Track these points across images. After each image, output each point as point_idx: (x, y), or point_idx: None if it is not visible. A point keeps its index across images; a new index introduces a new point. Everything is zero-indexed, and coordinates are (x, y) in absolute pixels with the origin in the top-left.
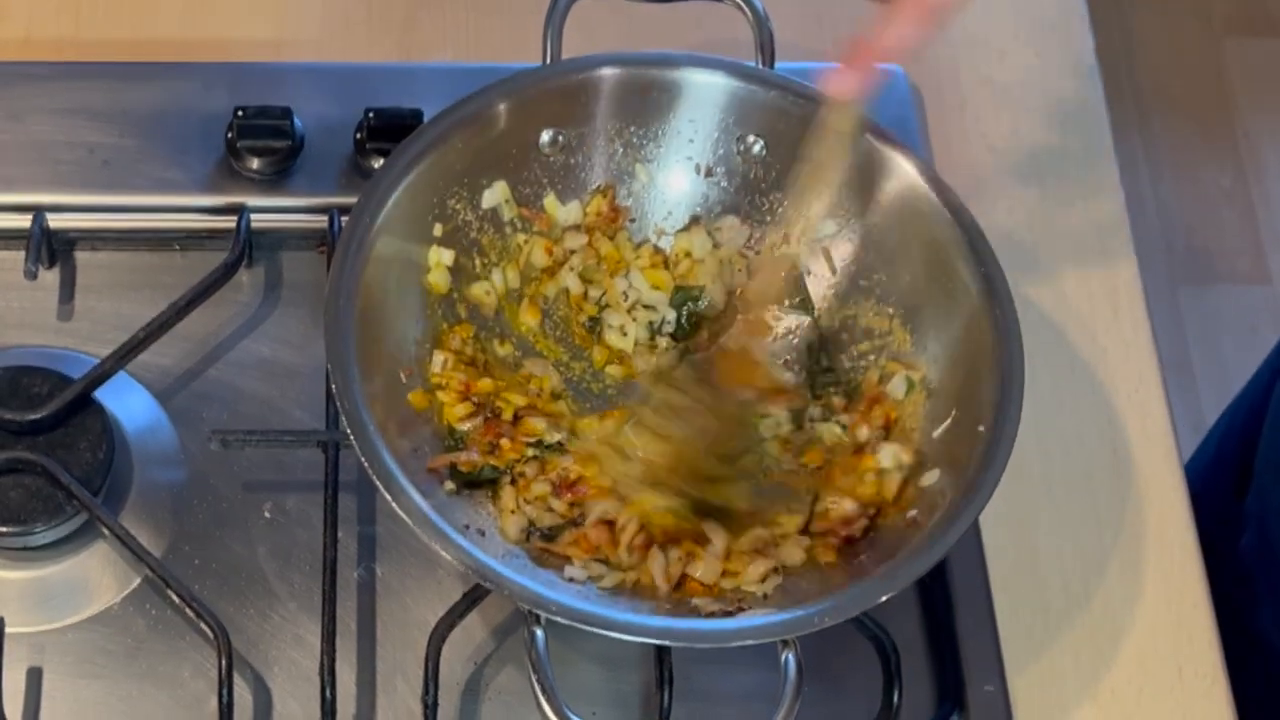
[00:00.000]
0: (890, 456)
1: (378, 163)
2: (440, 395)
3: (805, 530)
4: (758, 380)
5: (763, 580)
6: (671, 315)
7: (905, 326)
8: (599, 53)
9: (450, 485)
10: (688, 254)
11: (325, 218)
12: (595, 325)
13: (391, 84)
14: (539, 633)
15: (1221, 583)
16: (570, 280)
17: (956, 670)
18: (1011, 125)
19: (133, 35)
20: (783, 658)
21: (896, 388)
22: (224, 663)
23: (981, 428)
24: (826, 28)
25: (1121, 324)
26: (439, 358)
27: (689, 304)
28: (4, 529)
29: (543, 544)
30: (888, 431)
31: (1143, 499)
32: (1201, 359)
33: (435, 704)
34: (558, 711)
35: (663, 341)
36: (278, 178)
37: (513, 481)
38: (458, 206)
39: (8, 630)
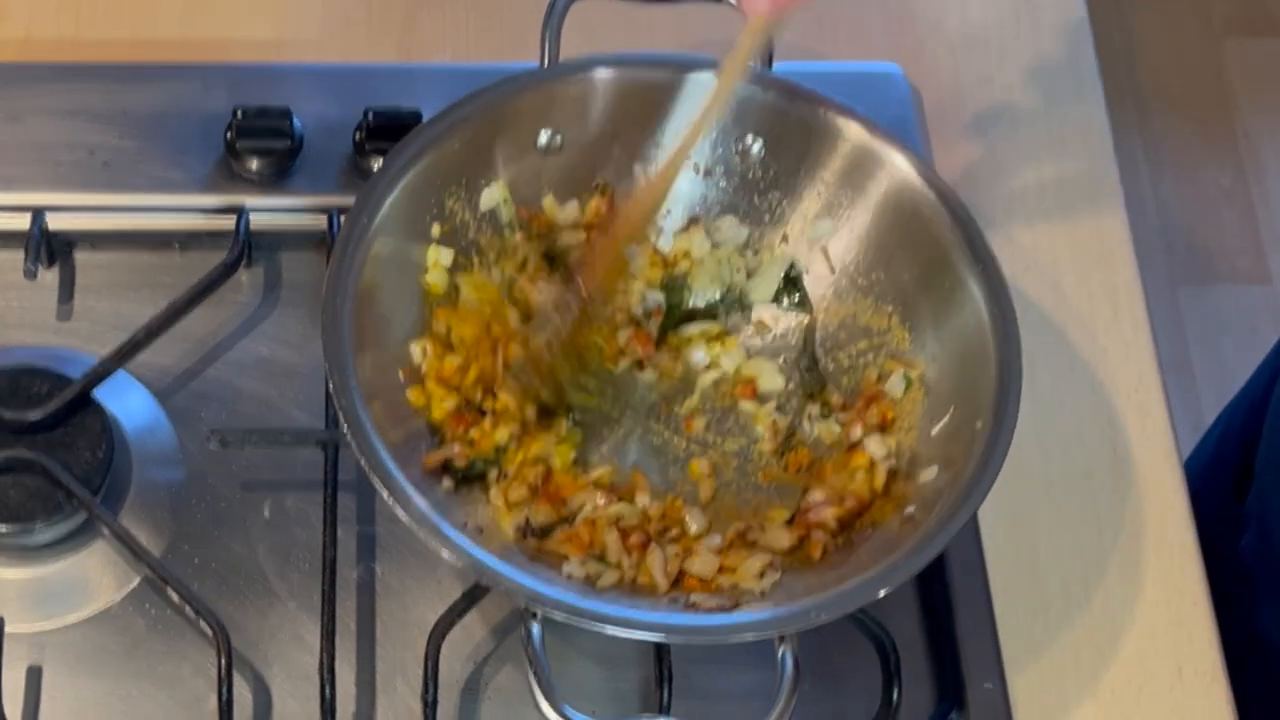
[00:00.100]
0: (878, 445)
1: (377, 163)
2: (430, 387)
3: (793, 522)
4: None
5: (760, 577)
6: (659, 298)
7: (904, 325)
8: (597, 53)
9: (447, 483)
10: (686, 254)
11: (324, 218)
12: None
13: (391, 84)
14: (535, 628)
15: (1221, 583)
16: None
17: (956, 669)
18: (1011, 125)
19: (132, 35)
20: (779, 654)
21: (895, 386)
22: (223, 662)
23: (979, 425)
24: (826, 28)
25: (1121, 324)
26: (416, 348)
27: (679, 293)
28: (4, 528)
29: (538, 542)
30: (884, 430)
31: (1142, 498)
32: (1201, 359)
33: (435, 702)
34: (555, 707)
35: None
36: (277, 178)
37: (499, 478)
38: (456, 207)
39: (7, 629)
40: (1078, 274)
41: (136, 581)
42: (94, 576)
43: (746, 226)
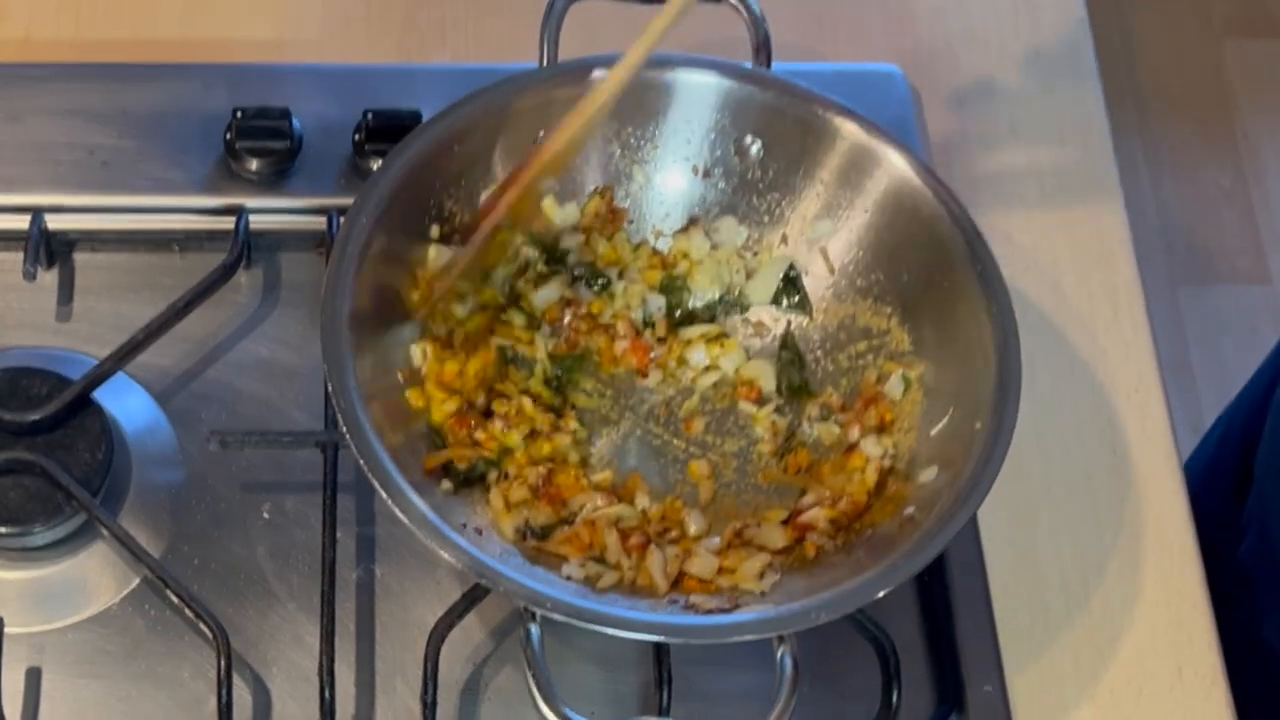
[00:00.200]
0: (875, 446)
1: (376, 164)
2: (430, 389)
3: (789, 523)
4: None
5: (760, 577)
6: (661, 302)
7: (903, 326)
8: (596, 54)
9: (447, 484)
10: (685, 255)
11: (324, 219)
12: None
13: (390, 85)
14: (534, 630)
15: (1221, 586)
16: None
17: (955, 671)
18: (1010, 125)
19: (132, 36)
20: (778, 655)
21: (894, 387)
22: (223, 663)
23: (979, 425)
24: (826, 28)
25: (1121, 324)
26: (416, 350)
27: (679, 294)
28: (3, 529)
29: (537, 543)
30: (882, 431)
31: (1142, 499)
32: (1201, 359)
33: (434, 704)
34: (554, 709)
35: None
36: (276, 179)
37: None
38: (455, 208)
39: (7, 630)
40: (1077, 274)
41: (136, 583)
42: (93, 578)
43: (745, 227)
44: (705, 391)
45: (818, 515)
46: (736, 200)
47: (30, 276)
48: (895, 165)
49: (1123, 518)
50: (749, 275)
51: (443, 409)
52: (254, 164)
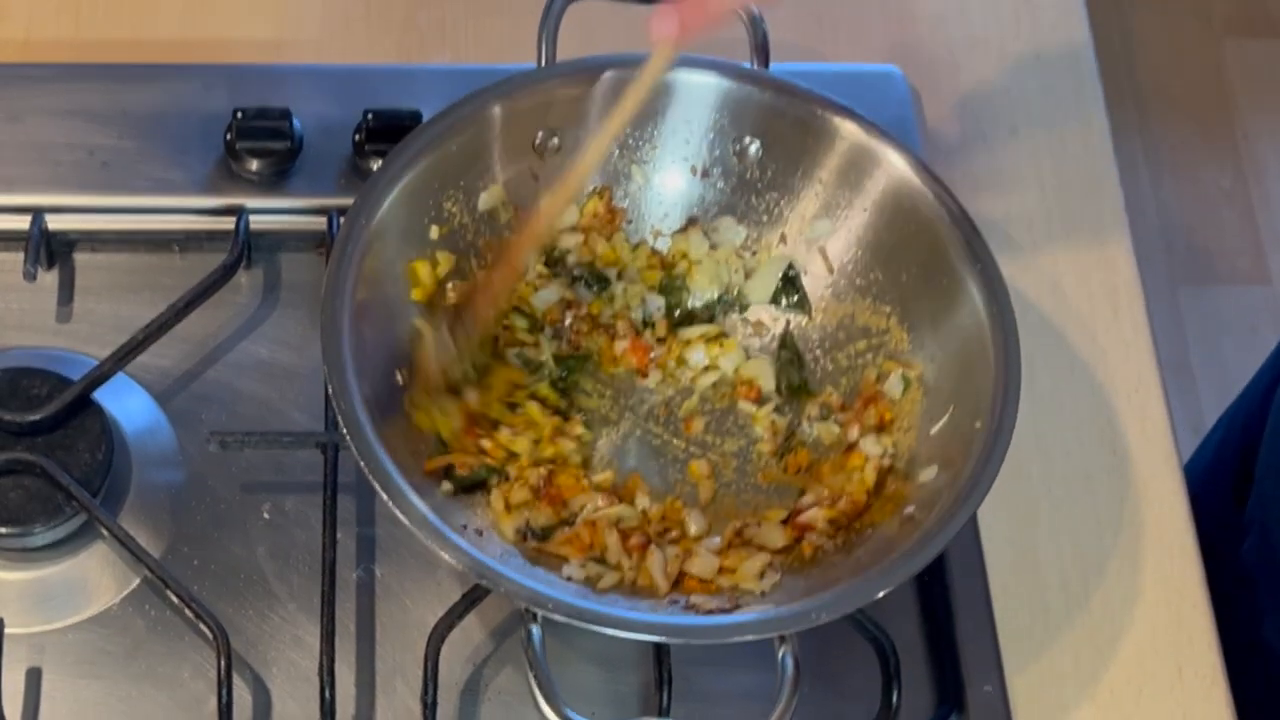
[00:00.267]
0: (874, 445)
1: (376, 164)
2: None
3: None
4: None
5: (760, 577)
6: (660, 302)
7: (902, 325)
8: (594, 55)
9: (447, 486)
10: (684, 255)
11: (324, 219)
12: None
13: (390, 85)
14: (536, 630)
15: (1221, 587)
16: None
17: (956, 671)
18: (1010, 125)
19: (132, 36)
20: (779, 655)
21: (893, 386)
22: (223, 663)
23: (979, 424)
24: (826, 28)
25: (1121, 324)
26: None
27: (678, 294)
28: (3, 530)
29: (538, 544)
30: (882, 430)
31: (1142, 500)
32: (1201, 360)
33: (434, 704)
34: (556, 709)
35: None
36: (277, 179)
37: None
38: (454, 209)
39: (7, 631)
40: (1077, 275)
41: (136, 583)
42: (94, 578)
43: (744, 227)
44: (705, 391)
45: (816, 515)
46: (735, 200)
47: (30, 277)
48: (894, 164)
49: (1123, 518)
50: (748, 275)
51: (448, 424)
52: (254, 164)
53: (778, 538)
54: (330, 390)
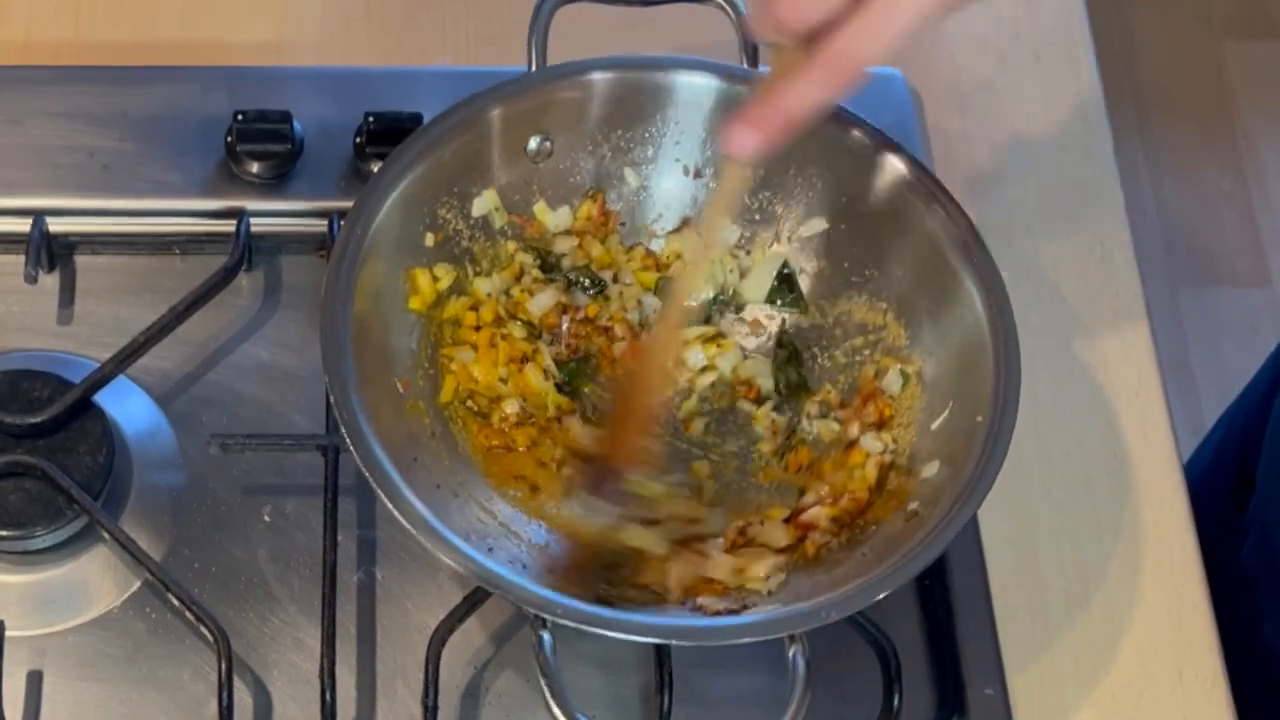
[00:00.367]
0: (875, 442)
1: (377, 166)
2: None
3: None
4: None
5: (767, 577)
6: (656, 304)
7: (899, 321)
8: (585, 58)
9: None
10: (679, 256)
11: (325, 221)
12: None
13: (391, 87)
14: (546, 636)
15: (1221, 590)
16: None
17: (956, 674)
18: (1011, 127)
19: (132, 38)
20: (790, 654)
21: (892, 382)
22: (224, 666)
23: (980, 418)
24: None
25: (1121, 326)
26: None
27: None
28: (4, 533)
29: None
30: (882, 427)
31: (1142, 501)
32: (1201, 361)
33: (435, 707)
34: (569, 715)
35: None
36: (277, 181)
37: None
38: (448, 216)
39: (8, 634)
40: (1078, 276)
41: (137, 586)
42: (94, 581)
43: (738, 226)
44: (703, 392)
45: (819, 514)
46: None
47: (31, 279)
48: (889, 162)
49: (1123, 520)
50: (743, 274)
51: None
52: (254, 167)
53: (781, 536)
54: (332, 400)
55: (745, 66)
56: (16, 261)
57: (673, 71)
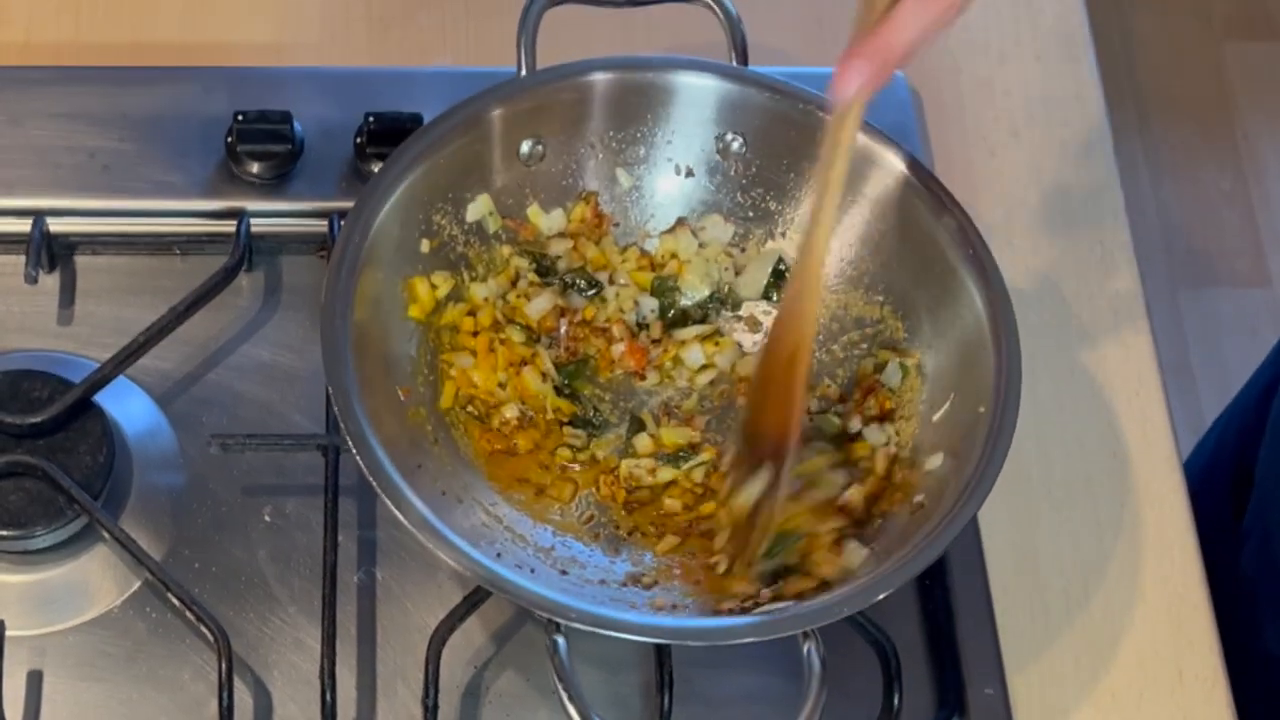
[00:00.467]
0: (878, 434)
1: (377, 167)
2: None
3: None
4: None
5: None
6: (653, 304)
7: (897, 314)
8: (575, 60)
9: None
10: (674, 255)
11: (325, 222)
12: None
13: (391, 88)
14: (560, 640)
15: (1220, 595)
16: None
17: (956, 673)
18: (1011, 128)
19: (132, 38)
20: (804, 650)
21: (891, 375)
22: (224, 666)
23: (982, 409)
24: (827, 29)
25: (1121, 326)
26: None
27: (670, 295)
28: (4, 532)
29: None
30: (883, 420)
31: (1142, 502)
32: (1201, 361)
33: (435, 707)
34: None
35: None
36: (277, 182)
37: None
38: (443, 221)
39: (8, 633)
40: (1078, 277)
41: (137, 586)
42: (95, 581)
43: (732, 224)
44: (703, 390)
45: (854, 495)
46: (721, 197)
47: (32, 280)
48: (884, 159)
49: (1123, 520)
50: (738, 271)
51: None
52: (255, 167)
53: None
54: (335, 410)
55: (735, 65)
56: (17, 261)
57: (663, 71)
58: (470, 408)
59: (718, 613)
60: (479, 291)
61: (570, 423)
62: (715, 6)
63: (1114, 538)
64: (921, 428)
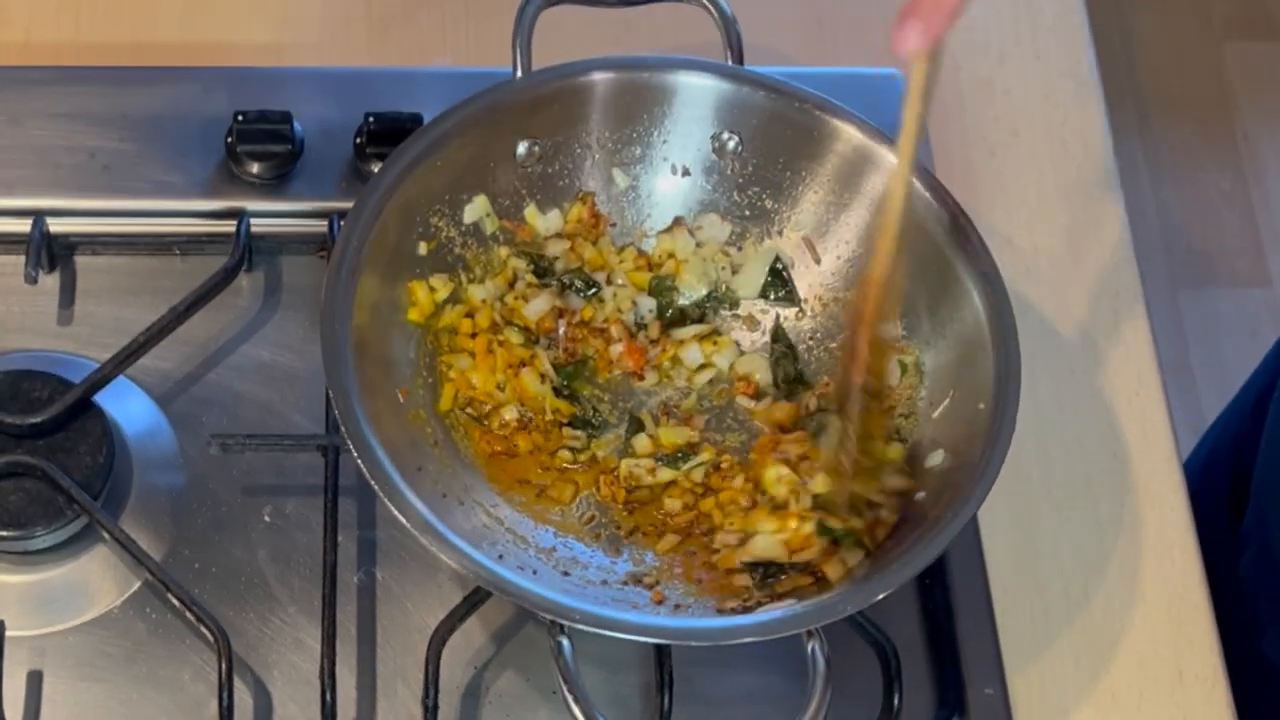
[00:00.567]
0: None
1: (377, 167)
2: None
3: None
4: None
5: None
6: (651, 304)
7: (895, 312)
8: (570, 61)
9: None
10: (671, 255)
11: (325, 222)
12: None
13: (391, 88)
14: (565, 641)
15: (1219, 600)
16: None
17: (956, 674)
18: (1011, 128)
19: (132, 39)
20: (809, 649)
21: (890, 372)
22: (224, 666)
23: (982, 405)
24: (827, 30)
25: (1121, 327)
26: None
27: (668, 294)
28: (4, 533)
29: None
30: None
31: (1142, 502)
32: (1201, 362)
33: (435, 707)
34: None
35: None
36: (277, 182)
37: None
38: (440, 223)
39: (8, 634)
40: (1078, 277)
41: (137, 586)
42: (95, 581)
43: (729, 223)
44: (702, 389)
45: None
46: (718, 197)
47: (31, 280)
48: (882, 158)
49: (1123, 520)
50: (735, 270)
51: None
52: (255, 167)
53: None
54: (336, 414)
55: (730, 64)
56: (17, 262)
57: (659, 71)
58: (469, 409)
59: (720, 612)
60: (477, 293)
61: (570, 423)
62: (710, 6)
63: (1114, 538)
64: (921, 425)
